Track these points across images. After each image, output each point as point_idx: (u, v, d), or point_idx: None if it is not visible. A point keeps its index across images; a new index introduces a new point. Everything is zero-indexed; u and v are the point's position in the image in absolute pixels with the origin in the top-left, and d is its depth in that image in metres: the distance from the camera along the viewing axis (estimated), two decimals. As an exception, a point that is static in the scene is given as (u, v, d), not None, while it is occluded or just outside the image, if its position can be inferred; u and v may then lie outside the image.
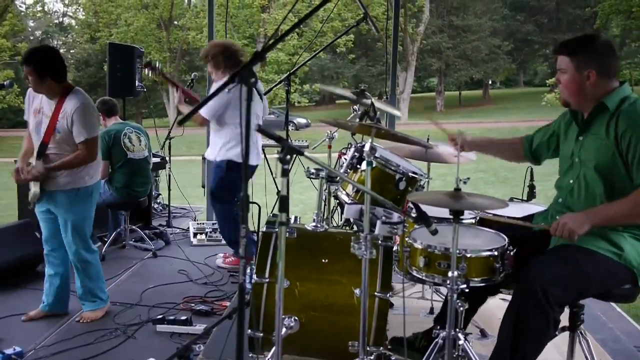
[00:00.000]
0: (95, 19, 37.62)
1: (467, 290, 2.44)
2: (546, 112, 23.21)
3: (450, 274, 2.41)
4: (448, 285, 2.44)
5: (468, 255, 2.47)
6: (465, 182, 3.31)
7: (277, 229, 2.75)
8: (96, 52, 40.60)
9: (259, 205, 5.07)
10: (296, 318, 2.65)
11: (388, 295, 2.65)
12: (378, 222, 2.63)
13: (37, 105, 3.90)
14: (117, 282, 4.97)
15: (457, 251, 2.42)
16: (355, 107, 3.41)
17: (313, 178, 2.86)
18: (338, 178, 2.92)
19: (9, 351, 3.50)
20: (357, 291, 2.64)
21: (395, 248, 2.91)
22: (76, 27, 45.11)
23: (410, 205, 2.63)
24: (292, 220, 2.99)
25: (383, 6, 28.41)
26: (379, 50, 39.52)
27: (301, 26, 29.49)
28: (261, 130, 1.85)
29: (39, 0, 44.48)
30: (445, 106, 39.45)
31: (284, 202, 1.87)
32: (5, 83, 4.10)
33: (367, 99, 3.11)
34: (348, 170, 3.12)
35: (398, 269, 3.04)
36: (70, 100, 3.80)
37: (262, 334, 2.71)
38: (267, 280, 2.69)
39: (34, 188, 3.88)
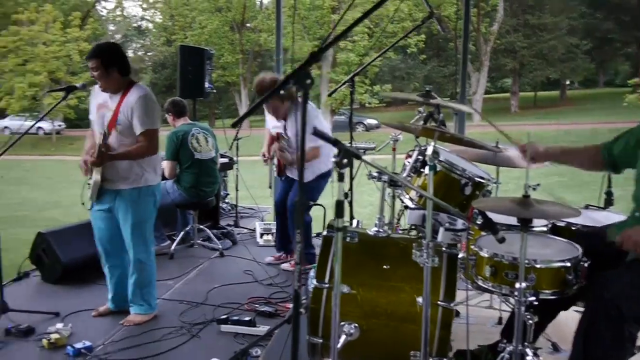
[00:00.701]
0: (171, 22, 38.68)
1: (536, 303, 2.31)
2: (628, 114, 22.22)
3: (517, 285, 2.29)
4: (515, 297, 2.32)
5: (537, 266, 2.35)
6: (534, 189, 3.15)
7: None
8: (172, 54, 41.71)
9: (324, 208, 5.05)
10: (356, 325, 2.59)
11: (452, 305, 2.54)
12: (440, 229, 2.53)
13: (101, 101, 3.97)
14: (184, 280, 5.05)
15: (526, 261, 2.30)
16: (420, 109, 3.33)
17: (375, 181, 2.79)
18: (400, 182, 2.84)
19: (78, 345, 3.60)
20: (419, 299, 2.55)
21: (461, 255, 2.81)
22: (153, 30, 46.55)
23: (476, 211, 2.52)
24: (354, 224, 2.93)
25: (455, 5, 27.91)
26: (451, 51, 38.81)
27: (372, 27, 29.36)
28: (317, 133, 1.80)
29: (119, 4, 46.21)
30: (519, 107, 38.36)
31: (339, 207, 1.81)
32: (78, 85, 4.20)
33: (433, 100, 3.00)
34: (411, 174, 3.04)
35: (464, 276, 2.93)
36: (133, 92, 3.86)
37: (321, 340, 2.67)
38: (326, 285, 2.64)
39: (96, 176, 3.94)
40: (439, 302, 2.55)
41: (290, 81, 1.75)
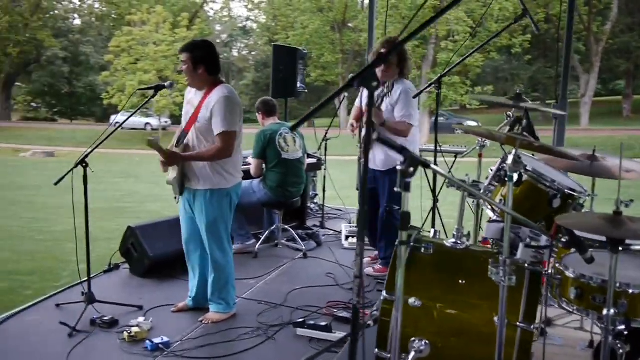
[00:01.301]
0: (274, 23, 39.44)
1: (626, 332, 2.07)
2: None
3: (605, 311, 2.07)
4: (603, 325, 2.09)
5: (630, 291, 2.11)
6: (627, 205, 2.84)
7: (412, 244, 2.56)
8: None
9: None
10: (427, 342, 2.44)
11: (532, 327, 2.33)
12: (520, 245, 2.33)
13: (189, 98, 4.05)
14: (266, 280, 5.05)
15: (617, 285, 2.07)
16: (509, 113, 3.11)
17: (455, 189, 2.62)
18: (482, 190, 2.65)
19: (157, 340, 3.66)
20: (496, 319, 2.37)
21: (550, 271, 2.59)
22: (257, 30, 47.64)
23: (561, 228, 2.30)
24: (431, 234, 2.77)
25: (564, 4, 26.67)
26: (563, 52, 37.03)
27: (475, 27, 28.57)
28: (381, 140, 1.68)
29: (226, 5, 47.66)
30: (632, 111, 36.13)
31: (405, 219, 1.68)
32: (166, 84, 4.28)
33: (524, 103, 2.79)
34: (494, 182, 2.84)
35: (551, 295, 2.71)
36: (216, 92, 3.87)
37: (389, 355, 2.54)
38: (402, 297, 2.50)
39: (172, 174, 4.00)
40: (518, 323, 2.35)
41: (354, 83, 1.64)
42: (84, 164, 3.94)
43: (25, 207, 11.95)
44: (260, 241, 5.80)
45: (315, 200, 7.72)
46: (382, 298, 2.59)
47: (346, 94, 4.93)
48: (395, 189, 1.72)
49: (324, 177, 6.75)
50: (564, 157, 2.64)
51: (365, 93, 4.92)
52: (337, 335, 3.79)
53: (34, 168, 20.73)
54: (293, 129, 1.86)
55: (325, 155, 6.70)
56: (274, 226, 5.96)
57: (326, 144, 6.52)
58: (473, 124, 31.05)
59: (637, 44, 34.89)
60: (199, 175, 3.94)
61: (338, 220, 7.24)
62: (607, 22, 31.78)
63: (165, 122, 35.13)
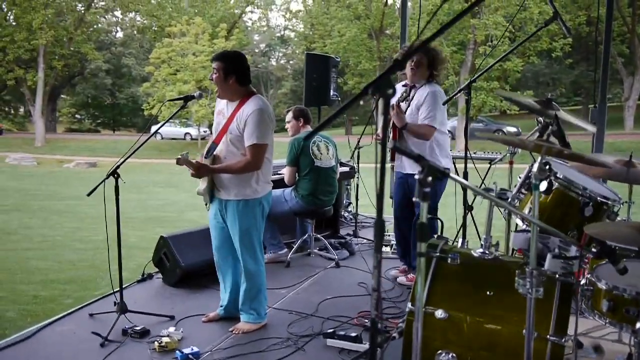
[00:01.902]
0: (312, 31, 39.58)
1: (662, 346, 1.98)
2: None
3: (639, 325, 1.97)
4: (636, 340, 2.00)
5: (666, 304, 2.01)
6: None
7: (437, 254, 2.49)
8: (312, 62, 42.63)
9: (441, 221, 4.81)
10: (454, 355, 2.37)
11: (564, 340, 2.24)
12: (548, 256, 2.24)
13: (220, 108, 4.05)
14: (297, 290, 5.02)
15: (652, 297, 1.97)
16: (540, 119, 3.02)
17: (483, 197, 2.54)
18: (510, 199, 2.57)
19: (187, 350, 3.65)
20: (524, 332, 2.29)
21: (583, 282, 2.49)
22: (295, 39, 47.91)
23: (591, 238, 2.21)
24: (459, 244, 2.70)
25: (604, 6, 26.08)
26: (600, 55, 36.26)
27: (514, 31, 28.17)
28: (397, 149, 1.63)
29: (264, 15, 48.07)
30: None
31: (423, 230, 1.63)
32: (195, 94, 4.31)
33: (553, 110, 2.71)
34: (523, 191, 2.75)
35: (585, 306, 2.60)
36: (250, 103, 3.86)
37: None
38: (422, 309, 2.44)
39: (202, 184, 4.02)
40: (548, 336, 2.27)
41: (368, 90, 1.60)
42: (116, 175, 3.99)
43: (68, 217, 12.20)
44: (293, 250, 5.78)
45: (348, 209, 7.67)
46: (407, 310, 2.53)
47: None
48: (413, 199, 1.67)
49: (357, 185, 6.69)
50: (594, 164, 2.55)
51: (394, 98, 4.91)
52: (367, 345, 3.73)
53: (77, 178, 21.20)
54: (306, 139, 1.83)
55: (358, 163, 6.66)
56: (306, 235, 5.94)
57: (359, 152, 6.47)
58: (512, 129, 30.56)
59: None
60: (230, 185, 3.95)
61: (371, 229, 7.16)
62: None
63: (205, 131, 35.48)
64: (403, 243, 5.19)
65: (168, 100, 4.80)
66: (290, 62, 51.97)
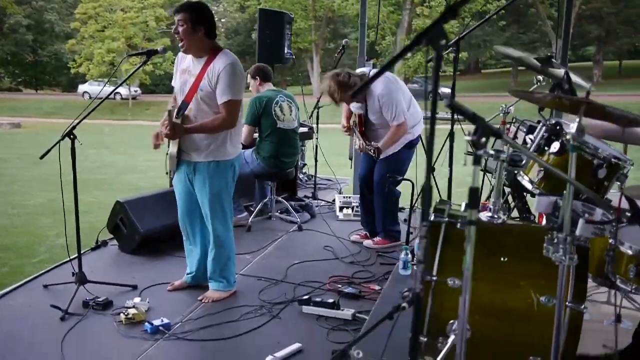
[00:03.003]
0: (245, -12, 38.61)
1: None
2: None
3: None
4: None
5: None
6: None
7: (446, 219, 2.36)
8: (245, 20, 41.85)
9: (412, 183, 4.71)
10: (467, 325, 2.26)
11: (582, 307, 2.16)
12: (580, 221, 2.14)
13: (185, 66, 3.74)
14: (262, 255, 4.84)
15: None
16: (539, 77, 2.91)
17: (492, 160, 2.41)
18: (523, 162, 2.45)
19: (156, 322, 3.44)
20: (542, 299, 2.19)
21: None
22: (227, -4, 46.67)
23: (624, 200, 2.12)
24: (462, 208, 2.57)
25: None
26: (531, 17, 37.15)
27: (450, -8, 28.31)
28: (454, 107, 1.47)
29: (195, -30, 46.46)
30: (603, 77, 36.46)
31: (473, 195, 1.48)
32: (159, 49, 3.99)
33: (556, 68, 2.59)
34: (533, 152, 2.64)
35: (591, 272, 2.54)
36: (220, 58, 3.59)
37: (425, 339, 2.35)
38: (434, 278, 2.31)
39: (172, 148, 3.75)
40: (567, 304, 2.18)
41: (422, 40, 1.41)
42: (72, 136, 3.65)
43: (-4, 181, 11.55)
44: (253, 214, 5.58)
45: (304, 171, 7.50)
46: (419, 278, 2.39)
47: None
48: (463, 164, 1.51)
49: (316, 146, 6.50)
50: (616, 120, 2.45)
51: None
52: (346, 312, 3.62)
53: (1, 139, 20.11)
54: (354, 95, 1.63)
55: (318, 124, 6.47)
56: (267, 198, 5.73)
57: (318, 112, 6.28)
58: (446, 90, 30.95)
59: (609, 9, 35.04)
60: (200, 146, 3.68)
61: (329, 191, 7.04)
62: (581, -12, 31.81)
63: (135, 91, 34.37)
64: (366, 209, 5.11)
65: (130, 55, 4.46)
66: (222, 20, 50.58)
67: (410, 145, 4.82)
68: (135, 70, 4.22)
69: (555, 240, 1.97)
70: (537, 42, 38.36)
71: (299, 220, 5.56)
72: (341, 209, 5.94)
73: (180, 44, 3.64)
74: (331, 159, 7.00)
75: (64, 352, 3.18)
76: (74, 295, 3.70)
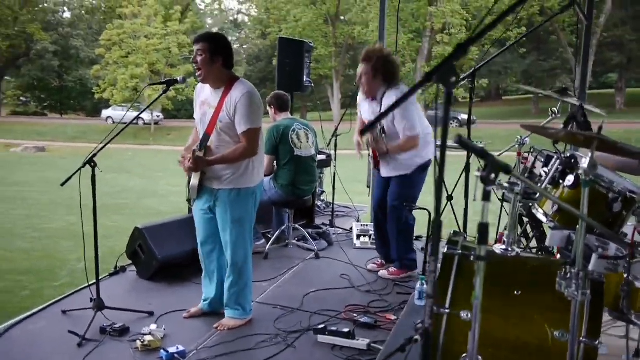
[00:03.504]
0: (267, 16, 39.12)
1: None
2: None
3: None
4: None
5: None
6: None
7: (460, 251, 2.36)
8: (266, 47, 42.35)
9: (428, 212, 4.70)
10: (480, 357, 2.24)
11: (597, 342, 2.15)
12: (594, 256, 2.14)
13: (204, 98, 3.81)
14: (279, 282, 4.85)
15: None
16: (554, 109, 2.92)
17: (497, 190, 2.42)
18: (537, 195, 2.46)
19: (172, 350, 3.45)
20: (556, 333, 2.18)
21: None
22: (249, 23, 47.39)
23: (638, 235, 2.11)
24: (476, 240, 2.57)
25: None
26: (552, 44, 37.11)
27: (469, 19, 28.42)
28: (461, 142, 1.49)
29: (217, -2, 47.26)
30: (625, 104, 36.16)
31: (483, 231, 1.49)
32: (179, 79, 4.07)
33: (571, 98, 2.60)
34: (548, 185, 2.64)
35: (607, 306, 2.52)
36: (236, 88, 3.66)
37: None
38: (447, 310, 2.31)
39: (194, 180, 3.80)
40: (581, 339, 2.16)
41: (432, 78, 1.44)
42: (92, 164, 3.72)
43: (17, 204, 11.75)
44: (271, 241, 5.60)
45: (322, 198, 7.52)
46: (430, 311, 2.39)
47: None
48: (472, 199, 1.53)
49: (334, 174, 6.52)
50: (629, 155, 2.44)
51: (365, 106, 4.79)
52: (361, 342, 3.60)
53: (26, 163, 20.45)
54: (364, 132, 1.66)
55: (335, 151, 6.50)
56: (285, 225, 5.76)
57: (336, 140, 6.31)
58: (465, 117, 30.90)
59: (630, 37, 34.90)
60: (223, 175, 3.74)
61: (347, 219, 7.05)
62: (602, 15, 31.70)
63: (158, 116, 34.82)
64: (380, 234, 5.11)
65: (150, 85, 4.54)
66: (244, 46, 51.34)
67: (423, 168, 4.75)
68: (155, 100, 4.30)
69: (568, 276, 1.96)
70: (558, 69, 38.24)
71: (316, 248, 5.57)
72: (358, 237, 5.94)
73: (197, 74, 3.70)
74: (349, 186, 7.01)
75: (81, 378, 3.21)
76: (92, 322, 3.73)
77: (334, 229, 6.42)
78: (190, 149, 3.78)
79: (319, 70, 34.49)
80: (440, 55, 28.01)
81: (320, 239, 5.88)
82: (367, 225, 6.12)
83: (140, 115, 34.13)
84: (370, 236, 5.87)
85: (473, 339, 1.62)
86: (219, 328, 3.89)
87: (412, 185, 4.76)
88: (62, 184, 3.70)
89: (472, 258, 2.33)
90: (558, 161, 2.66)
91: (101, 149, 3.75)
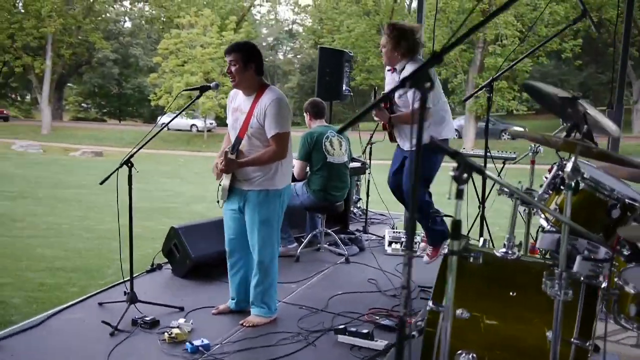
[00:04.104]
0: (320, 26, 39.49)
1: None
2: None
3: (670, 331, 1.93)
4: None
5: (698, 310, 1.96)
6: None
7: (460, 252, 2.45)
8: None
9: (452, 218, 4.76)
10: (474, 355, 2.33)
11: (588, 344, 2.20)
12: (578, 258, 2.20)
13: (236, 105, 4.02)
14: (307, 284, 4.99)
15: (683, 303, 1.93)
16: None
17: (506, 196, 2.50)
18: (536, 198, 2.53)
19: (197, 342, 3.62)
20: (549, 334, 2.24)
21: (606, 285, 2.45)
22: (303, 33, 47.85)
23: (622, 240, 2.16)
24: (480, 243, 2.66)
25: (618, 8, 25.88)
26: (610, 57, 36.15)
27: (524, 31, 28.00)
28: (434, 144, 1.60)
29: (273, 9, 47.98)
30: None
31: (456, 228, 1.59)
32: (212, 85, 4.28)
33: (580, 108, 2.66)
34: (549, 191, 2.70)
35: (606, 309, 2.57)
36: (266, 95, 3.86)
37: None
38: (444, 308, 2.40)
39: (225, 181, 4.00)
40: (572, 340, 2.22)
41: (406, 84, 1.56)
42: (129, 164, 3.96)
43: (74, 205, 12.21)
44: (303, 245, 5.75)
45: (358, 205, 7.63)
46: (427, 308, 2.49)
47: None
48: (447, 198, 1.63)
49: (368, 181, 6.65)
50: (624, 164, 2.50)
51: (388, 77, 4.84)
52: (379, 343, 3.70)
53: (83, 167, 21.19)
54: (340, 132, 1.79)
55: (370, 159, 6.61)
56: (317, 230, 5.90)
57: (371, 148, 6.43)
58: (519, 129, 30.42)
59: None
60: (253, 177, 3.94)
61: (381, 226, 7.14)
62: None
63: (211, 123, 35.51)
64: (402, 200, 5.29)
65: (184, 90, 4.74)
66: (298, 56, 51.87)
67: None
68: (187, 107, 4.52)
69: (553, 276, 2.03)
70: (616, 82, 37.18)
71: (346, 252, 5.69)
72: (390, 243, 6.03)
73: (231, 80, 3.93)
74: (386, 195, 7.10)
75: (110, 365, 3.42)
76: (124, 313, 3.95)
77: (366, 235, 6.52)
78: (220, 156, 3.98)
79: (370, 81, 34.52)
80: (492, 66, 27.68)
81: (352, 244, 6.00)
82: (399, 232, 6.20)
83: (194, 123, 35.09)
84: (401, 243, 5.95)
85: (445, 334, 1.71)
86: (244, 324, 4.05)
87: (426, 165, 4.71)
88: (101, 183, 3.96)
89: (471, 260, 2.42)
90: (557, 167, 2.72)
91: (138, 150, 3.97)
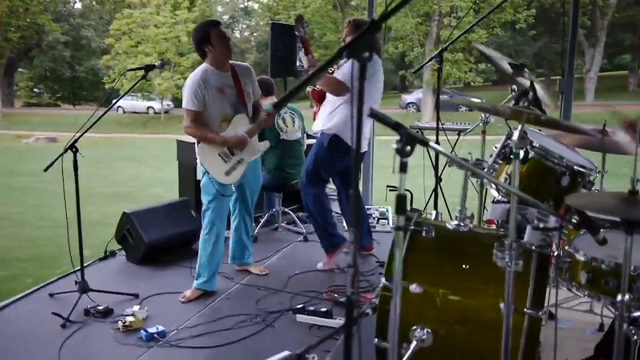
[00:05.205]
0: (276, 3, 38.97)
1: (641, 318, 1.93)
2: None
3: (619, 296, 1.92)
4: (616, 312, 1.95)
5: (646, 275, 1.96)
6: None
7: (412, 226, 2.41)
8: (276, 34, 42.15)
9: (411, 193, 4.75)
10: (429, 330, 2.31)
11: (540, 313, 2.19)
12: (528, 228, 2.18)
13: (219, 84, 4.09)
14: (266, 264, 4.93)
15: (632, 268, 1.92)
16: (513, 86, 2.95)
17: (456, 167, 2.45)
18: (486, 169, 2.50)
19: (152, 330, 3.54)
20: (502, 305, 2.22)
21: (558, 253, 2.44)
22: (259, 10, 47.23)
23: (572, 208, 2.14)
24: (433, 217, 2.62)
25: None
26: (569, 26, 36.52)
27: (478, 2, 28.10)
28: (375, 115, 1.53)
29: (226, -14, 47.13)
30: (638, 85, 35.71)
31: (401, 202, 1.54)
32: (156, 63, 4.17)
33: (526, 78, 2.63)
34: (499, 160, 2.68)
35: (560, 278, 2.56)
36: (238, 65, 4.27)
37: (389, 344, 2.40)
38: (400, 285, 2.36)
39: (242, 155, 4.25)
40: (525, 310, 2.21)
41: (343, 53, 1.49)
42: (74, 149, 3.82)
43: (27, 194, 11.88)
44: (260, 224, 5.68)
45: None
46: (380, 285, 2.46)
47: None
48: (392, 171, 1.57)
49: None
50: (573, 132, 2.49)
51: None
52: (338, 321, 3.68)
53: (37, 154, 20.61)
54: (276, 106, 1.71)
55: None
56: (274, 209, 5.83)
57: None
58: (476, 101, 30.66)
59: (644, 17, 34.41)
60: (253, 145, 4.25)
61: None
62: (614, -4, 31.29)
63: (168, 105, 34.89)
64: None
65: (128, 70, 4.59)
66: (254, 34, 51.27)
67: (332, 148, 4.52)
68: (132, 87, 4.37)
69: (503, 247, 2.00)
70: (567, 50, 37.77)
71: (304, 230, 5.64)
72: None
73: (220, 55, 4.09)
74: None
75: (61, 358, 3.31)
76: (76, 304, 3.84)
77: (325, 212, 6.45)
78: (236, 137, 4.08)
79: (328, 57, 34.31)
80: (448, 39, 27.70)
81: (309, 222, 5.94)
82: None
83: (151, 105, 34.44)
84: (360, 219, 5.91)
85: (394, 310, 1.66)
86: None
87: (315, 157, 4.66)
88: (45, 170, 3.81)
89: (423, 234, 2.38)
90: (505, 136, 2.70)
91: (81, 135, 3.84)
